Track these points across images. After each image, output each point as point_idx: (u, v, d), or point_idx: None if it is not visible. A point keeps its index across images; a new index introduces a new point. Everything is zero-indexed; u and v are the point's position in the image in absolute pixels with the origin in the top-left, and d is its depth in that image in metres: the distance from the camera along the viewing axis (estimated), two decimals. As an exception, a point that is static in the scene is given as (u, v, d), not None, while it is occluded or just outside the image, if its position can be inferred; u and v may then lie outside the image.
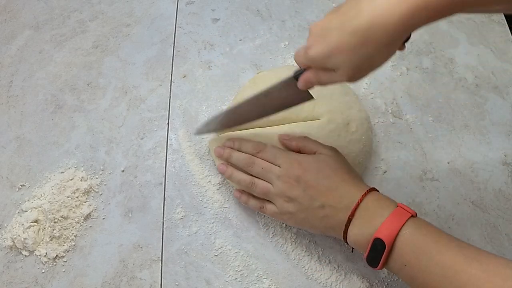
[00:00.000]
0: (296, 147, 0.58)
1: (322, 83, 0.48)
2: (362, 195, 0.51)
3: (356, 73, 0.43)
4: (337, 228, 0.52)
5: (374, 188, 0.53)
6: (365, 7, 0.40)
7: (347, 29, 0.41)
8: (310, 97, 0.54)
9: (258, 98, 0.56)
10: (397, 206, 0.50)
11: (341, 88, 0.65)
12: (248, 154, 0.59)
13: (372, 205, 0.50)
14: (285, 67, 0.69)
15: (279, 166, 0.56)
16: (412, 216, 0.48)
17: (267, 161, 0.57)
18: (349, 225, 0.51)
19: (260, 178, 0.57)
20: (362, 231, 0.49)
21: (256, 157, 0.58)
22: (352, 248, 0.55)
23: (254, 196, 0.59)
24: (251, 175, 0.58)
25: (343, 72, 0.43)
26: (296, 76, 0.50)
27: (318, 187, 0.53)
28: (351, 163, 0.59)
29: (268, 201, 0.58)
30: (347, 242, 0.52)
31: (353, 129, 0.61)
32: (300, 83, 0.50)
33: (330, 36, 0.42)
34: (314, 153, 0.57)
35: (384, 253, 0.47)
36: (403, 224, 0.47)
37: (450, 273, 0.44)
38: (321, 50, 0.43)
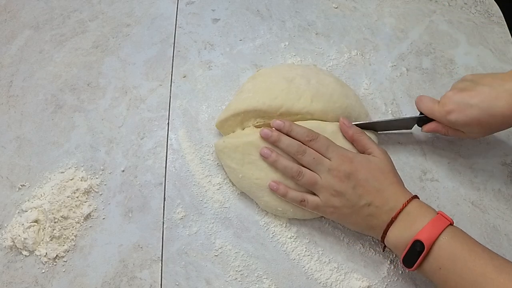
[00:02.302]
0: (351, 137, 0.60)
1: (446, 135, 0.62)
2: (407, 200, 0.54)
3: (481, 137, 0.60)
4: (377, 229, 0.55)
5: (417, 195, 0.56)
6: (501, 94, 0.54)
7: (488, 111, 0.55)
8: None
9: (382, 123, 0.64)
10: (437, 213, 0.53)
11: (341, 88, 0.65)
12: (298, 140, 0.59)
13: (414, 211, 0.53)
14: (286, 65, 0.69)
15: (330, 159, 0.57)
16: (450, 224, 0.52)
17: (318, 152, 0.58)
18: (390, 227, 0.53)
19: (307, 168, 0.58)
20: (402, 234, 0.52)
21: (307, 145, 0.58)
22: (384, 247, 0.58)
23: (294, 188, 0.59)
24: (298, 163, 0.58)
25: (473, 136, 0.59)
26: (419, 123, 0.63)
27: (367, 186, 0.55)
28: None
29: (309, 193, 0.58)
30: (383, 242, 0.55)
31: None
32: (426, 130, 0.62)
33: (471, 111, 0.55)
34: (364, 152, 0.59)
35: (422, 254, 0.50)
36: (443, 230, 0.50)
37: (481, 280, 0.47)
38: (461, 120, 0.56)
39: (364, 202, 0.54)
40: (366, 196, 0.54)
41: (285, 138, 0.59)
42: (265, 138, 0.60)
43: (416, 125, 0.65)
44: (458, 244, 0.50)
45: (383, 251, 0.60)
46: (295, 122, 0.61)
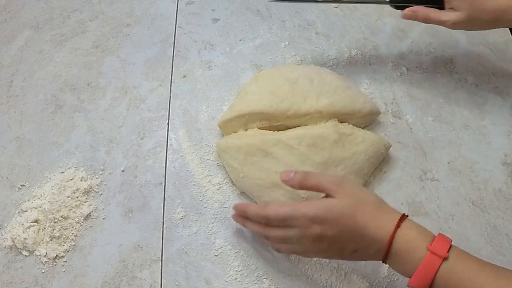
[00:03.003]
0: (299, 186, 0.53)
1: (424, 22, 0.61)
2: (389, 239, 0.47)
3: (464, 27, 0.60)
4: (376, 259, 0.50)
5: (401, 218, 0.49)
6: None
7: None
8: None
9: None
10: (427, 249, 0.46)
11: (343, 82, 0.65)
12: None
13: (401, 249, 0.47)
14: (287, 66, 0.69)
15: (292, 227, 0.51)
16: (445, 258, 0.46)
17: (280, 228, 0.52)
18: (386, 262, 0.49)
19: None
20: (399, 271, 0.49)
21: (266, 228, 0.54)
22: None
23: None
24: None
25: (455, 21, 0.59)
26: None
27: (342, 240, 0.49)
28: (355, 175, 0.60)
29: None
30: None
31: (359, 140, 0.61)
32: (406, 14, 0.62)
33: None
34: (325, 194, 0.52)
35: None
36: (436, 273, 0.45)
37: None
38: None
39: (348, 252, 0.50)
40: (346, 247, 0.50)
41: (249, 224, 0.56)
42: (235, 220, 0.58)
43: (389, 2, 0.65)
44: (454, 283, 0.45)
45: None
46: (290, 129, 0.62)
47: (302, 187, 0.53)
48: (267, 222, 0.53)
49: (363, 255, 0.50)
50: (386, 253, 0.48)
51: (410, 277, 0.47)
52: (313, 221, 0.49)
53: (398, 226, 0.48)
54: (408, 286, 0.47)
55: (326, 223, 0.49)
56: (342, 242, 0.49)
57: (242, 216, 0.57)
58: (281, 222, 0.51)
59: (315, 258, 0.59)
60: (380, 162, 0.65)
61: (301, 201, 0.56)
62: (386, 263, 0.49)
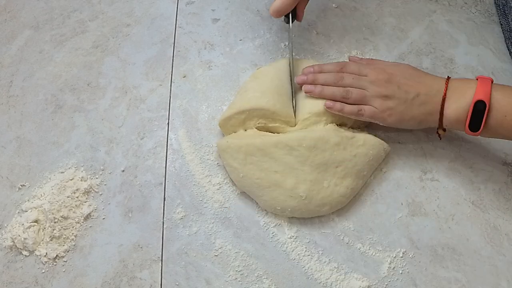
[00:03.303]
0: (366, 64, 0.64)
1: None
2: (447, 78, 0.60)
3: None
4: (433, 112, 0.59)
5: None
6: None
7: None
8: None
9: None
10: (477, 78, 0.58)
11: None
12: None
13: (458, 84, 0.59)
14: (283, 60, 0.69)
15: (366, 76, 0.61)
16: (492, 81, 0.58)
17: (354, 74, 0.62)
18: (444, 105, 0.58)
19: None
20: (459, 104, 0.58)
21: (340, 74, 0.63)
22: (439, 135, 0.62)
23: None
24: None
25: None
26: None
27: (409, 82, 0.60)
28: (355, 176, 0.61)
29: (363, 105, 0.61)
30: (441, 129, 0.61)
31: (360, 143, 0.61)
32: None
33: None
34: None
35: (486, 111, 0.55)
36: (492, 85, 0.57)
37: None
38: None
39: (413, 95, 0.59)
40: (412, 89, 0.59)
41: (320, 75, 0.63)
42: (301, 82, 0.64)
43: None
44: (510, 90, 0.56)
45: (440, 140, 0.65)
46: (291, 130, 0.62)
47: (369, 64, 0.64)
48: (343, 68, 0.63)
49: (426, 98, 0.59)
50: (446, 88, 0.59)
51: (470, 101, 0.56)
52: (384, 68, 0.62)
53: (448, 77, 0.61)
54: (476, 102, 0.56)
55: (395, 70, 0.61)
56: (407, 83, 0.60)
57: (312, 73, 0.64)
58: (357, 69, 0.62)
59: (315, 258, 0.60)
60: (380, 163, 0.65)
61: None
62: (443, 106, 0.59)
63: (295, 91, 0.65)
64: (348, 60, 0.69)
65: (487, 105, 0.56)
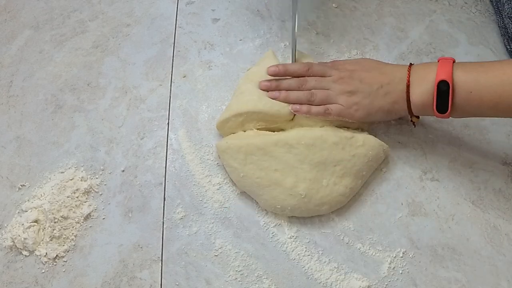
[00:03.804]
0: (331, 65, 0.64)
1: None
2: (409, 65, 0.60)
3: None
4: (400, 100, 0.59)
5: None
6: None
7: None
8: None
9: None
10: (438, 60, 0.58)
11: None
12: (299, 77, 0.63)
13: (419, 69, 0.59)
14: (269, 57, 0.68)
15: (330, 76, 0.62)
16: (453, 61, 0.57)
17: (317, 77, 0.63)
18: (409, 91, 0.58)
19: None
20: (423, 87, 0.58)
21: (308, 76, 0.63)
22: (413, 123, 0.64)
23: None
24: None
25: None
26: None
27: (370, 75, 0.61)
28: (354, 176, 0.61)
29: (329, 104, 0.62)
30: (411, 114, 0.61)
31: (359, 143, 0.61)
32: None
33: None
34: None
35: (450, 90, 0.55)
36: (453, 64, 0.56)
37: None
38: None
39: (376, 86, 0.60)
40: (375, 81, 0.60)
41: (284, 81, 0.63)
42: (265, 88, 0.64)
43: None
44: (471, 66, 0.56)
45: (415, 127, 0.66)
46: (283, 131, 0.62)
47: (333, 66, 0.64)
48: (308, 70, 0.63)
49: (389, 87, 0.59)
50: (409, 75, 0.59)
51: (433, 83, 0.56)
52: (344, 65, 0.63)
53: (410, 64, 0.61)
54: (439, 82, 0.55)
55: (356, 65, 0.62)
56: (370, 77, 0.60)
57: (275, 78, 0.64)
58: (321, 71, 0.63)
59: (315, 258, 0.60)
60: (380, 163, 0.65)
61: None
62: (409, 93, 0.58)
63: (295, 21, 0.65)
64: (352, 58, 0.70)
65: (450, 84, 0.55)
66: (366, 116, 0.61)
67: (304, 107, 0.61)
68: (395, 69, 0.61)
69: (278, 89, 0.63)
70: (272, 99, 0.62)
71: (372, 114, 0.61)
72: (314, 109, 0.61)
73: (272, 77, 0.64)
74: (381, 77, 0.60)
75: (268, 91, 0.63)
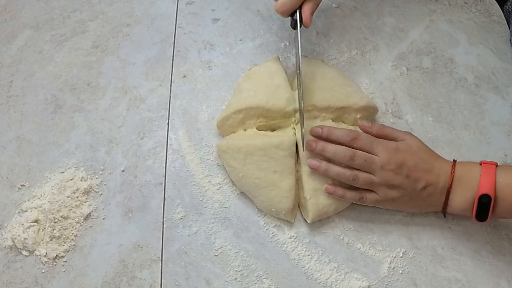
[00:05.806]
0: (376, 134, 0.61)
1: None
2: (452, 167, 0.57)
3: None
4: (437, 204, 0.58)
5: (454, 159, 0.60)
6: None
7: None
8: None
9: None
10: (480, 163, 0.57)
11: (343, 79, 0.66)
12: (342, 144, 0.59)
13: (462, 173, 0.57)
14: (274, 59, 0.69)
15: (377, 155, 0.58)
16: (496, 165, 0.56)
17: (364, 151, 0.58)
18: (449, 197, 0.57)
19: (361, 170, 0.58)
20: (463, 197, 0.56)
21: (352, 146, 0.58)
22: (444, 214, 0.60)
23: (349, 188, 0.59)
24: (348, 166, 0.58)
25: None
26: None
27: (418, 171, 0.57)
28: None
29: (366, 190, 0.59)
30: (444, 212, 0.59)
31: None
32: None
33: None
34: (396, 140, 0.60)
35: (492, 204, 0.54)
36: (496, 173, 0.55)
37: None
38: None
39: (420, 186, 0.57)
40: (420, 180, 0.57)
41: (330, 146, 0.59)
42: (310, 150, 0.60)
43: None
44: None
45: (445, 217, 0.62)
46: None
47: (379, 135, 0.61)
48: (354, 140, 0.58)
49: (432, 189, 0.57)
50: (451, 180, 0.56)
51: (475, 193, 0.55)
52: (397, 150, 0.58)
53: (454, 160, 0.59)
54: (480, 196, 0.54)
55: (407, 154, 0.57)
56: (417, 173, 0.57)
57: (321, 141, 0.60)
58: (369, 145, 0.58)
59: (315, 258, 0.60)
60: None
61: None
62: (448, 198, 0.57)
63: (301, 83, 0.64)
64: (351, 59, 0.69)
65: (492, 198, 0.54)
66: (398, 209, 0.61)
67: (339, 191, 0.59)
68: (440, 167, 0.58)
69: (323, 153, 0.59)
70: (312, 169, 0.59)
71: (404, 209, 0.61)
72: (349, 195, 0.59)
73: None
74: (427, 176, 0.57)
75: (310, 150, 0.60)
